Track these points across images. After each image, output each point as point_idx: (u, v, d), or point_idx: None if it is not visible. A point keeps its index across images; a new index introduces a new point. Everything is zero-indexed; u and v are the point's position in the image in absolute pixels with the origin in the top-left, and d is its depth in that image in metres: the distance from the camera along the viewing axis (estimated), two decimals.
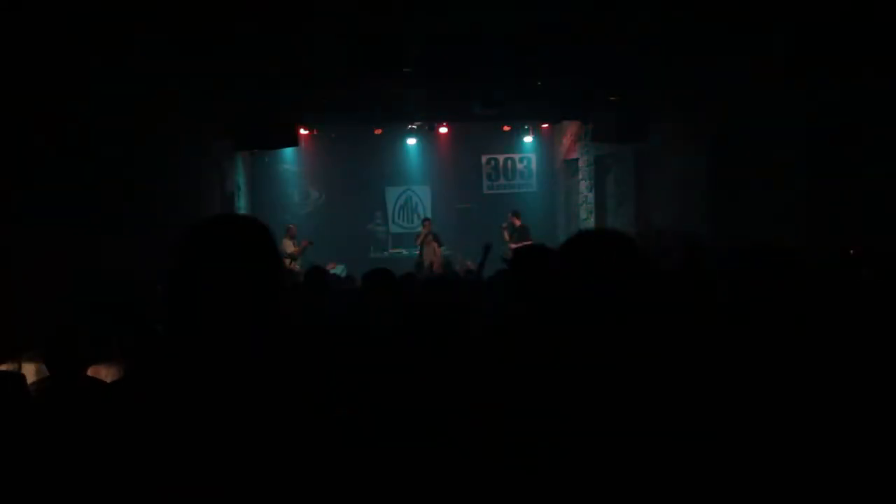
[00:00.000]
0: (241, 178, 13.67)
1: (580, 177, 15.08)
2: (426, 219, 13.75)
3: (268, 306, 1.26)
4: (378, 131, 13.97)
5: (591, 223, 14.37)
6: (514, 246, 13.16)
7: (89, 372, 3.51)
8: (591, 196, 14.56)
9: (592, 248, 1.52)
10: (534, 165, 16.41)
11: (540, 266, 2.64)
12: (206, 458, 1.15)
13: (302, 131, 12.76)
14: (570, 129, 15.15)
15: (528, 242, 12.79)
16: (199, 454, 1.15)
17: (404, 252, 14.34)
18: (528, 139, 15.72)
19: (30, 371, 3.72)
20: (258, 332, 1.25)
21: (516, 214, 13.26)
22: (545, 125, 15.21)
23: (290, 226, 12.68)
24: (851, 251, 4.84)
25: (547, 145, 16.31)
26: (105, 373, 3.50)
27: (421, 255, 12.74)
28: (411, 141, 14.80)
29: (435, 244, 12.76)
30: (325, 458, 1.20)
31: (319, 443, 1.21)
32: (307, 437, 1.20)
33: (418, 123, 13.86)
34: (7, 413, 2.71)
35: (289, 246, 12.01)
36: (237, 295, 1.22)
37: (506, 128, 14.86)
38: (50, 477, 2.01)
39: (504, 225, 13.22)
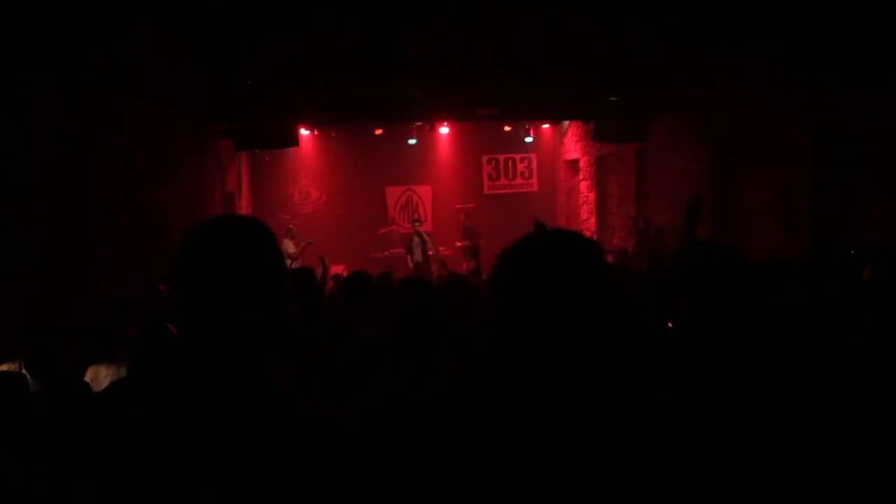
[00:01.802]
0: (241, 178, 13.66)
1: (581, 177, 15.10)
2: (414, 220, 13.79)
3: (270, 307, 1.27)
4: (378, 131, 13.96)
5: (591, 223, 14.40)
6: (459, 244, 13.58)
7: (89, 371, 3.52)
8: (591, 196, 14.57)
9: (546, 252, 1.32)
10: (534, 165, 16.41)
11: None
12: (204, 458, 1.16)
13: (302, 131, 12.76)
14: (571, 128, 15.16)
15: (477, 242, 12.88)
16: (198, 454, 1.16)
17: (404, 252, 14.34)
18: (528, 139, 15.71)
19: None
20: (259, 333, 1.25)
21: (466, 215, 14.59)
22: (546, 125, 15.21)
23: (291, 226, 12.67)
24: (852, 251, 4.85)
25: (547, 145, 16.31)
26: (105, 373, 3.50)
27: (411, 258, 12.62)
28: (412, 141, 14.80)
29: (426, 245, 12.66)
30: (323, 459, 1.20)
31: (317, 444, 1.21)
32: (305, 439, 1.21)
33: (418, 123, 13.85)
34: (7, 413, 2.72)
35: (289, 246, 12.01)
36: (239, 296, 1.23)
37: (506, 128, 14.85)
38: (51, 476, 2.02)
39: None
